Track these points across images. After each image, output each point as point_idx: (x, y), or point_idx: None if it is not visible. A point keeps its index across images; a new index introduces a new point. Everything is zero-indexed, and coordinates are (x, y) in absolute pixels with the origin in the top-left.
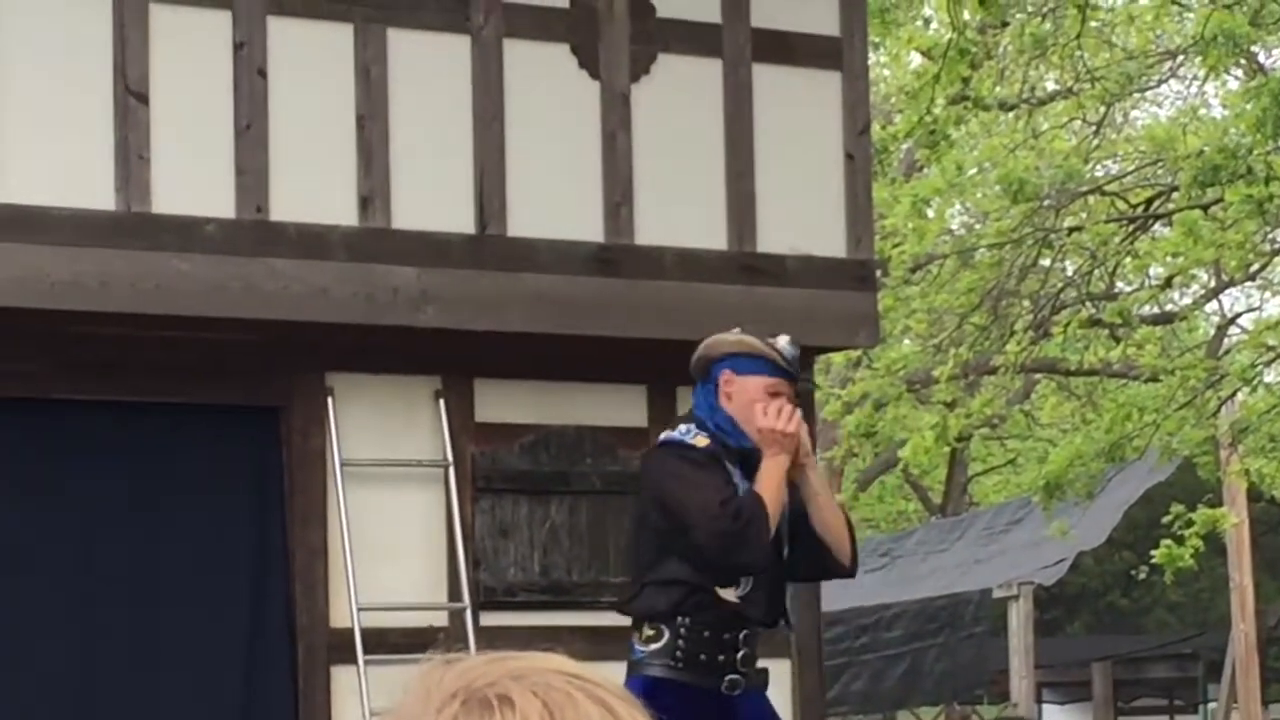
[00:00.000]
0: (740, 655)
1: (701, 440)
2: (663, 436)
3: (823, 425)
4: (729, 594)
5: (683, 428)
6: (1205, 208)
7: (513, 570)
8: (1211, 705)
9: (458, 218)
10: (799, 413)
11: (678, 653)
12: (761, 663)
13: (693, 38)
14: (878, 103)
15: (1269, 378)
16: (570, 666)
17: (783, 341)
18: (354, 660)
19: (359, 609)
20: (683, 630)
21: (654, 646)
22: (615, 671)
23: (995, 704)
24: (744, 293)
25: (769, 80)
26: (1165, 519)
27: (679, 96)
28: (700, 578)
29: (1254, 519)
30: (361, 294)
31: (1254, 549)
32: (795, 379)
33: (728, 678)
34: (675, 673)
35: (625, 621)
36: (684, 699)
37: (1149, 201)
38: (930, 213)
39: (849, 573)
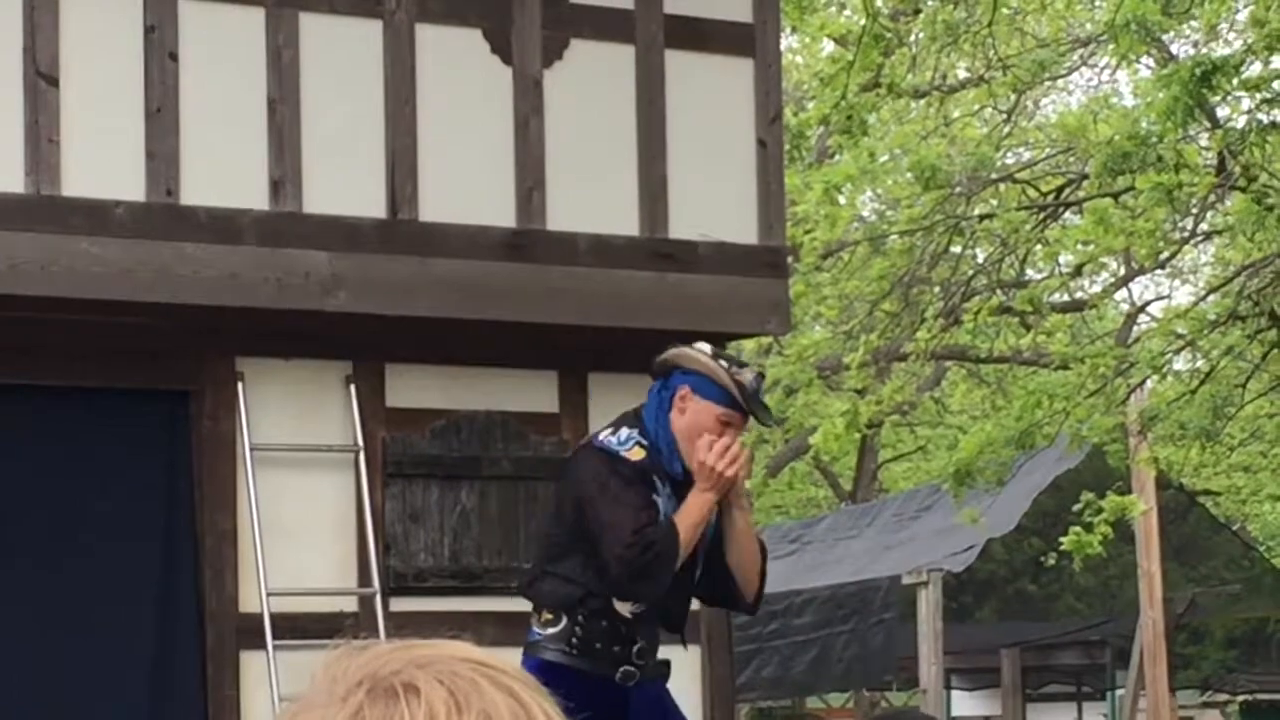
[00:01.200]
0: (636, 648)
1: (636, 453)
2: (599, 438)
3: None
4: (623, 608)
5: (623, 433)
6: (1116, 196)
7: (423, 555)
8: (1119, 692)
9: (369, 202)
10: (746, 453)
11: (573, 640)
12: (672, 649)
13: (605, 23)
14: (789, 90)
15: (1178, 365)
16: (476, 654)
17: (748, 375)
18: (263, 645)
19: (268, 594)
20: (580, 618)
21: (551, 631)
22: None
23: (904, 690)
24: (656, 279)
25: (681, 67)
26: (1075, 506)
27: (591, 83)
28: (599, 586)
29: (1162, 506)
30: (272, 278)
31: (1162, 536)
32: (750, 416)
33: (622, 669)
34: (570, 659)
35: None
36: (577, 685)
37: (1060, 189)
38: (842, 199)
39: (750, 610)
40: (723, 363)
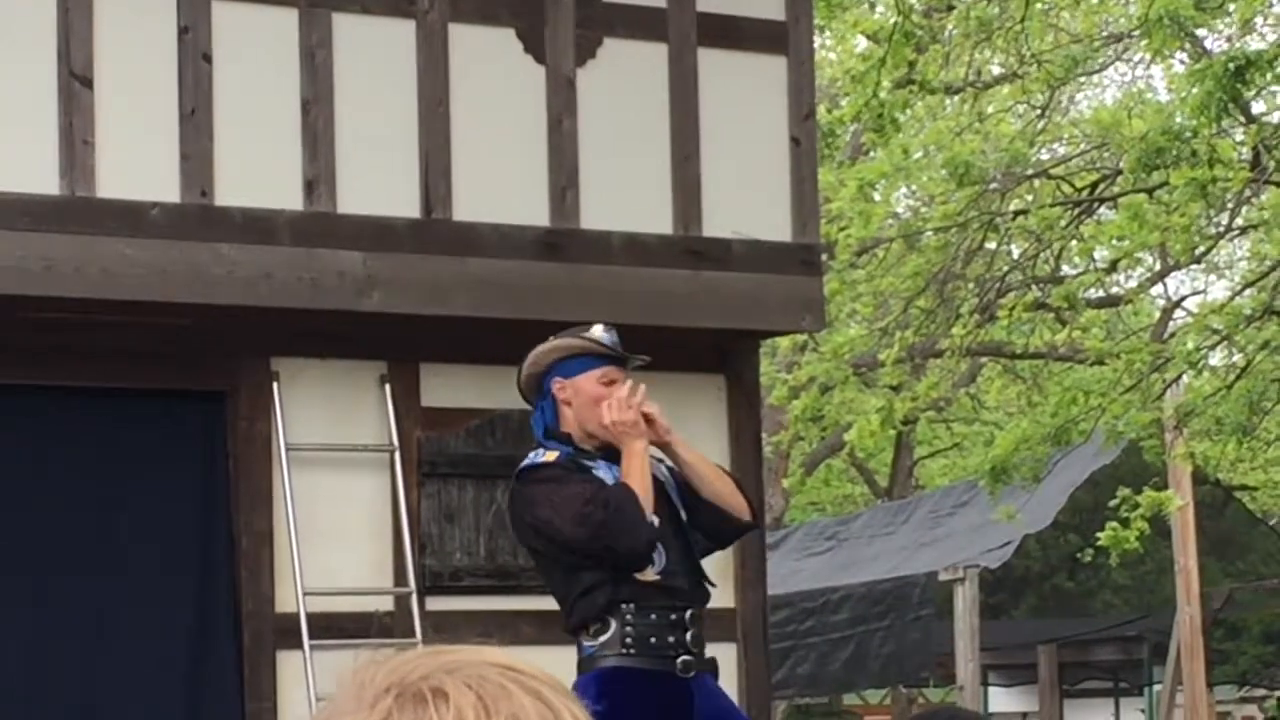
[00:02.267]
0: (689, 635)
1: (551, 454)
2: (517, 469)
3: (769, 410)
4: (648, 575)
5: (533, 453)
6: (1150, 191)
7: (458, 555)
8: (1156, 687)
9: (403, 202)
10: (642, 389)
11: (628, 639)
12: (707, 647)
13: (638, 22)
14: (823, 87)
15: (1214, 361)
16: (504, 658)
17: (597, 330)
18: (300, 645)
19: (305, 594)
20: (629, 617)
21: (603, 638)
22: (561, 655)
23: (941, 687)
24: (690, 277)
25: (714, 64)
26: (1111, 502)
27: (625, 81)
28: (603, 564)
29: (1199, 502)
30: (307, 278)
31: (1199, 532)
32: (624, 362)
33: (680, 659)
34: (630, 659)
35: None
36: (641, 684)
37: (1094, 185)
38: (876, 196)
39: (752, 525)
40: (568, 336)
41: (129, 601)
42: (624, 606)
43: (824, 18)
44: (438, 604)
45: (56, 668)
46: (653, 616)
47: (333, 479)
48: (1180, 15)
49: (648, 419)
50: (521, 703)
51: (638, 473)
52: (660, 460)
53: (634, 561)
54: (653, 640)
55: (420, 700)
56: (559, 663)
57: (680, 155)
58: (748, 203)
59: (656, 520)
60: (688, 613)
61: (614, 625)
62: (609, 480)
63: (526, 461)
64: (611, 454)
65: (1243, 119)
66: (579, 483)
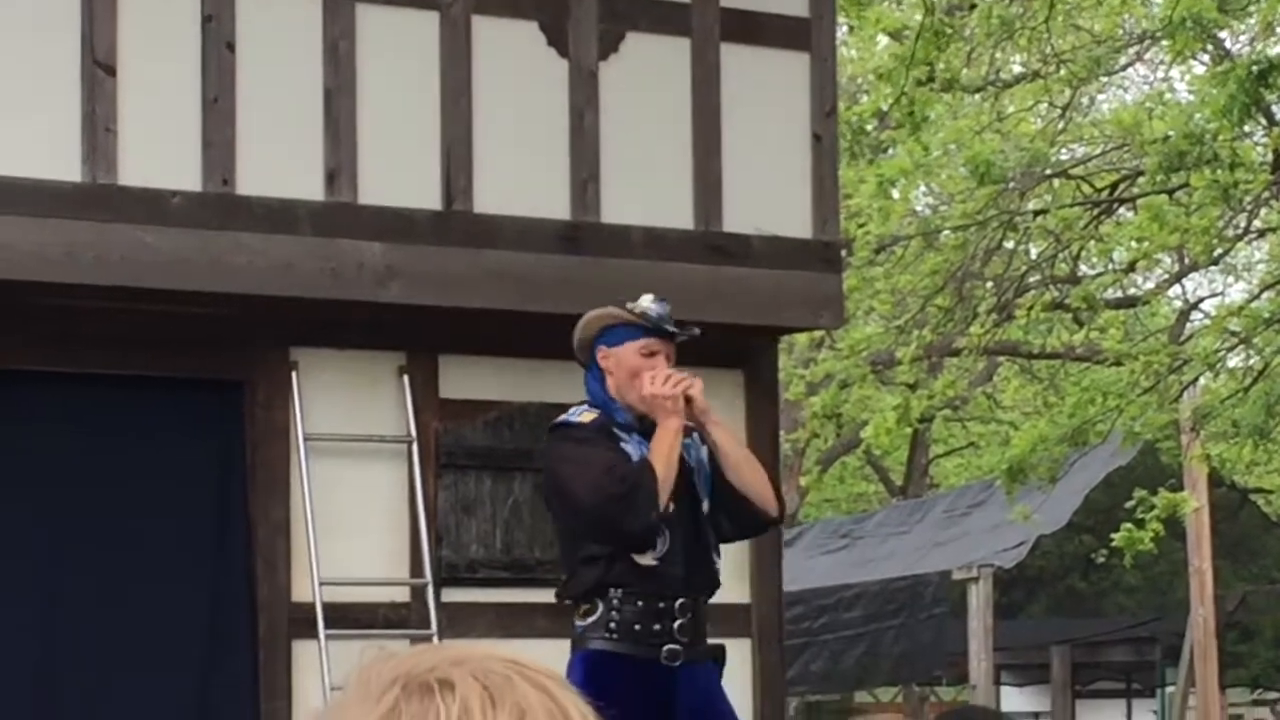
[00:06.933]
0: (677, 625)
1: (588, 415)
2: (553, 422)
3: (785, 406)
4: (645, 559)
5: (573, 408)
6: (1170, 193)
7: (475, 546)
8: (1169, 689)
9: (424, 194)
10: (687, 375)
11: (611, 624)
12: (722, 640)
13: (661, 17)
14: (842, 84)
15: (1231, 363)
16: (510, 654)
17: (645, 301)
18: (315, 635)
19: (320, 584)
20: (615, 601)
21: (590, 620)
22: None
23: (953, 686)
24: (709, 272)
25: (737, 60)
26: (1127, 503)
27: (647, 75)
28: (604, 540)
29: (1214, 504)
30: (327, 269)
31: (1214, 534)
32: (669, 335)
33: (666, 648)
34: (612, 644)
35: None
36: (623, 670)
37: (1114, 186)
38: (895, 194)
39: (777, 520)
40: (613, 305)
41: (143, 588)
42: (611, 591)
43: (851, 16)
44: (453, 595)
45: (70, 654)
46: (639, 603)
47: (350, 469)
48: (1203, 17)
49: (687, 399)
50: (526, 693)
51: (665, 452)
52: (699, 444)
53: (633, 543)
54: (637, 627)
55: (427, 691)
56: None
57: (702, 150)
58: (768, 198)
59: (672, 506)
60: (677, 602)
61: (601, 608)
62: (635, 455)
63: (563, 417)
64: (647, 428)
65: (1264, 122)
66: (605, 450)
